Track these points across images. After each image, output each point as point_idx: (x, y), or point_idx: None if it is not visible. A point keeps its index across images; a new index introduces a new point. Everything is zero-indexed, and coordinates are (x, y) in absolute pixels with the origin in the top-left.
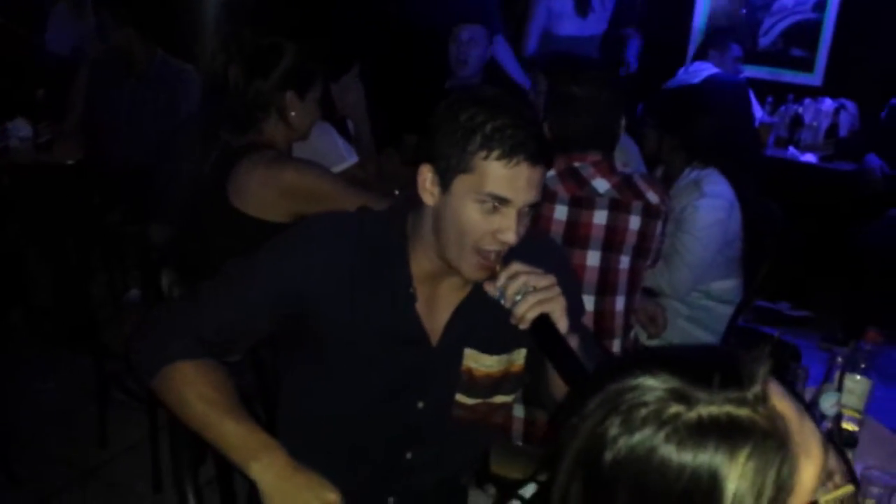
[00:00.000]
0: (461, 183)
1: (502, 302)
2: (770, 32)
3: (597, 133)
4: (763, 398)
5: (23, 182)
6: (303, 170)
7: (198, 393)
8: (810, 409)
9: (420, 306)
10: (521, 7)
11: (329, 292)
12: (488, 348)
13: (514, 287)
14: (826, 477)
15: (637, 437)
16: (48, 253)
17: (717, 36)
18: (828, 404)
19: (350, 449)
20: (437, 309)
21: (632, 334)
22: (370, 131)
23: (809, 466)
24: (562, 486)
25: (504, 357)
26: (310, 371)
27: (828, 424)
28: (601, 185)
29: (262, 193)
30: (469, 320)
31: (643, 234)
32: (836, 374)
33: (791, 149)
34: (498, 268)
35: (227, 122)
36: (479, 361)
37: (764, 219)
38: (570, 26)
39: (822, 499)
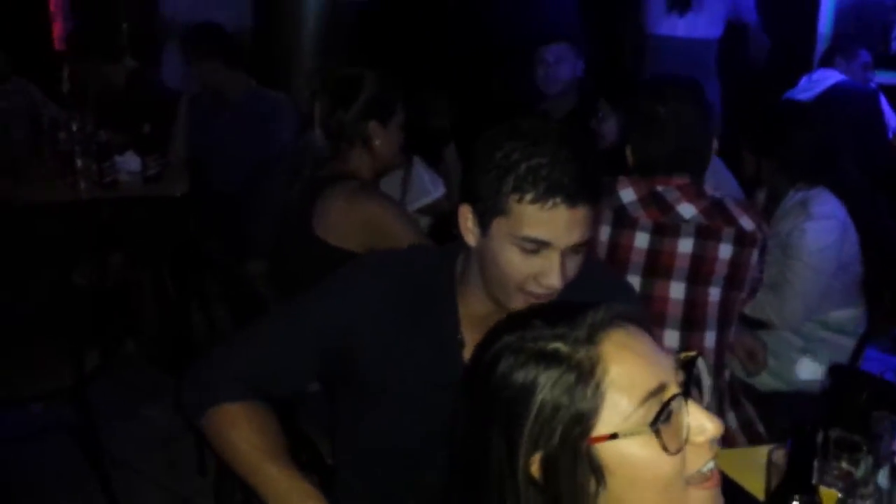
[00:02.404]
0: (498, 225)
1: None
2: None
3: (683, 155)
4: (585, 340)
5: (128, 214)
6: (385, 205)
7: (242, 436)
8: None
9: (469, 353)
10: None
11: (375, 335)
12: None
13: None
14: None
15: (494, 350)
16: (154, 282)
17: (844, 41)
18: None
19: (402, 495)
20: None
21: (726, 373)
22: (459, 160)
23: (623, 404)
24: (464, 383)
25: None
26: (359, 413)
27: None
28: (687, 210)
29: (344, 223)
30: None
31: (735, 263)
32: None
33: None
34: None
35: (311, 154)
36: None
37: (890, 239)
38: (667, 25)
39: None
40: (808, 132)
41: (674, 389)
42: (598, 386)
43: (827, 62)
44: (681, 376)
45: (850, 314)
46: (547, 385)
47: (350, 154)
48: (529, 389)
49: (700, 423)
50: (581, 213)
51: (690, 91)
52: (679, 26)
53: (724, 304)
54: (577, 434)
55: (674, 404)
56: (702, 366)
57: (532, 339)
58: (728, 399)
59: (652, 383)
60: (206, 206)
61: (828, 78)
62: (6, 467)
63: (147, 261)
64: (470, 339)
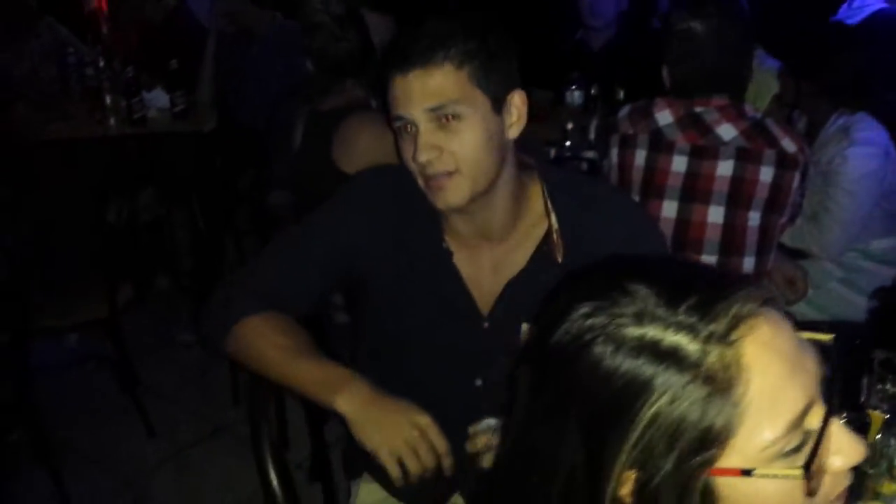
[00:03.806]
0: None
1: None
2: None
3: (721, 75)
4: (722, 338)
5: (158, 150)
6: None
7: (271, 342)
8: None
9: (466, 269)
10: None
11: (373, 249)
12: None
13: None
14: None
15: (585, 329)
16: (187, 218)
17: None
18: None
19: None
20: (487, 278)
21: None
22: None
23: (764, 432)
24: (518, 362)
25: None
26: (372, 337)
27: None
28: (727, 131)
29: (374, 152)
30: (527, 291)
31: (777, 186)
32: None
33: None
34: None
35: (313, 86)
36: None
37: None
38: None
39: None
40: (852, 56)
41: (819, 409)
42: (736, 405)
43: None
44: (820, 374)
45: (891, 243)
46: (665, 395)
47: (357, 86)
48: (637, 395)
49: (842, 446)
50: (417, 77)
51: (729, 5)
52: None
53: (764, 228)
54: (697, 463)
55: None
56: (831, 352)
57: (637, 320)
58: None
59: (799, 403)
60: (234, 141)
61: (869, 5)
62: (45, 396)
63: (177, 196)
64: (464, 255)
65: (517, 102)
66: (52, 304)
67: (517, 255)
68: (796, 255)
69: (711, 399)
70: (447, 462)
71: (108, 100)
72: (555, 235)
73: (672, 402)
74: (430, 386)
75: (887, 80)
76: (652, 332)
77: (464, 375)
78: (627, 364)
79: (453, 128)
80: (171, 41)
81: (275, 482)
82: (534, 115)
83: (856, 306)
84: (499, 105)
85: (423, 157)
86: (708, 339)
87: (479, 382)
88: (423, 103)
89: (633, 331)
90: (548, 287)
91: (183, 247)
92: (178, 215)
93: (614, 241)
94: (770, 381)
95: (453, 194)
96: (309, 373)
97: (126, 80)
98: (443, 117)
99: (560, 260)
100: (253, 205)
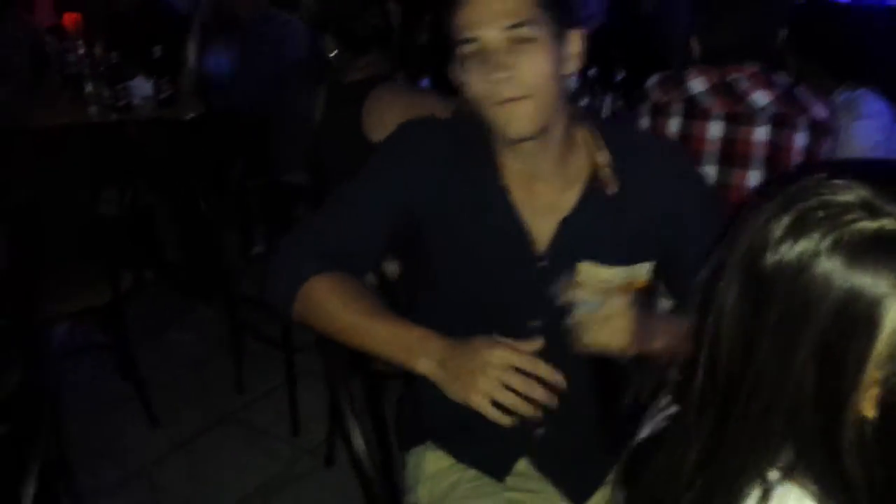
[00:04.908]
0: (458, 55)
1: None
2: None
3: (753, 43)
4: None
5: (147, 139)
6: (443, 98)
7: (342, 303)
8: None
9: (522, 208)
10: None
11: (430, 197)
12: (606, 260)
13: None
14: None
15: (804, 241)
16: (176, 208)
17: None
18: None
19: None
20: (542, 217)
21: None
22: None
23: None
24: (723, 286)
25: (624, 270)
26: (427, 289)
27: None
28: (760, 98)
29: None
30: (581, 229)
31: (811, 152)
32: None
33: None
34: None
35: (335, 62)
36: (595, 276)
37: None
38: None
39: None
40: (853, 32)
41: None
42: None
43: None
44: None
45: None
46: None
47: (383, 54)
48: (878, 302)
49: None
50: None
51: None
52: None
53: None
54: None
55: None
56: None
57: (868, 213)
58: None
59: None
60: (223, 130)
61: None
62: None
63: (165, 186)
64: (519, 195)
65: (576, 39)
66: (54, 290)
67: (568, 195)
68: None
69: None
70: (543, 374)
71: (88, 87)
72: (606, 170)
73: None
74: (487, 330)
75: (883, 57)
76: (889, 224)
77: (519, 317)
78: (865, 270)
79: (525, 49)
80: (147, 29)
81: (360, 446)
82: None
83: None
84: (561, 37)
85: (499, 73)
86: None
87: (536, 324)
88: (501, 21)
89: (865, 226)
90: (602, 223)
91: (169, 238)
92: (164, 205)
93: (664, 177)
94: None
95: (526, 121)
96: (385, 335)
97: (110, 67)
98: (516, 39)
99: (610, 193)
100: (246, 191)
